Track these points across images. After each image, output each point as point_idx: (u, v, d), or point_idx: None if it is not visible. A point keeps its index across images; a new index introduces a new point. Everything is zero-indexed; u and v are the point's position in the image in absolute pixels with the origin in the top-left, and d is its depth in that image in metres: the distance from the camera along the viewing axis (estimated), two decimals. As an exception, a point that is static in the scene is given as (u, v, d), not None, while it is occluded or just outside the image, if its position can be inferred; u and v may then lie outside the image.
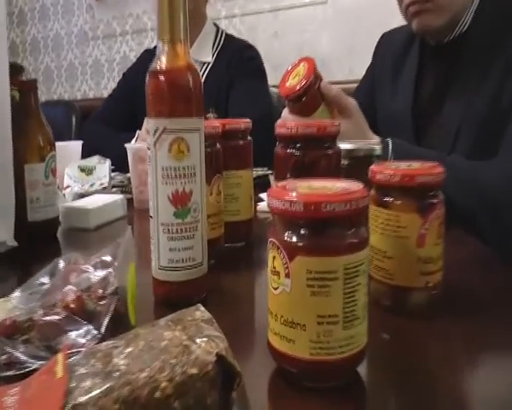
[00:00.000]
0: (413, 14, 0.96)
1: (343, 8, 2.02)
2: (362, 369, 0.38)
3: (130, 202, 0.98)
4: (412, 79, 1.06)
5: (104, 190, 0.96)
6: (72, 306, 0.39)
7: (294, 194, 0.35)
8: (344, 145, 0.60)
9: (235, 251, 0.70)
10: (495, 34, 0.93)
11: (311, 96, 0.78)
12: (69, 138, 2.19)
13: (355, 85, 1.30)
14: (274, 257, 0.37)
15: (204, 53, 1.51)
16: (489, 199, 0.76)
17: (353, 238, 0.36)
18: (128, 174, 1.17)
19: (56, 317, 0.39)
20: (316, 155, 0.54)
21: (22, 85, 0.74)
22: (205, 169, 0.50)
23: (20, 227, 0.69)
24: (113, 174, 1.18)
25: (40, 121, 0.76)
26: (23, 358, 0.37)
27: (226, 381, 0.29)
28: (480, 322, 0.47)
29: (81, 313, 0.39)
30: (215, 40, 1.54)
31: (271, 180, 0.98)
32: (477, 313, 0.49)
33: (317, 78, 0.79)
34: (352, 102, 0.84)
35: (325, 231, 0.35)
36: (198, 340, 0.29)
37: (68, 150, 1.07)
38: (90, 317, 0.40)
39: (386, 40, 1.24)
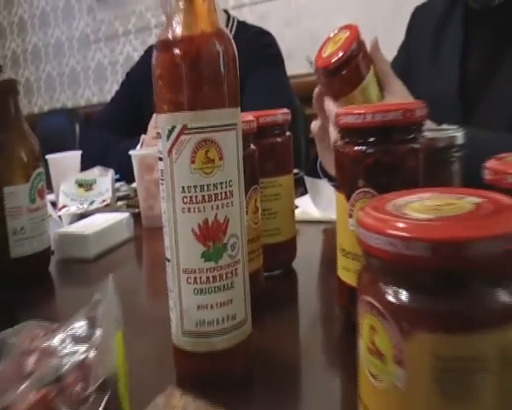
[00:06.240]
0: None
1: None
2: None
3: (138, 217, 0.82)
4: (457, 52, 0.93)
5: (107, 208, 0.80)
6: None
7: (409, 225, 0.19)
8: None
9: (275, 283, 0.54)
10: None
11: (352, 68, 0.62)
12: (73, 148, 2.08)
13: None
14: (373, 328, 0.21)
15: (215, 43, 1.37)
16: None
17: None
18: (134, 185, 1.02)
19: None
20: (401, 152, 0.37)
21: (-3, 87, 0.58)
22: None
23: (1, 266, 0.54)
24: (117, 185, 1.03)
25: (22, 131, 0.60)
26: None
27: None
28: None
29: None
30: (226, 28, 1.38)
31: (307, 184, 0.81)
32: None
33: (361, 46, 0.63)
34: (396, 80, 0.68)
35: (467, 288, 0.19)
36: None
37: (64, 163, 0.91)
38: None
39: (421, 12, 1.11)
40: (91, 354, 0.25)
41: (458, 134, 0.51)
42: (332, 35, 0.67)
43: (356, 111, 0.37)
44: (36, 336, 0.28)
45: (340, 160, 0.40)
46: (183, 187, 0.31)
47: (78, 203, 0.79)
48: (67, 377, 0.24)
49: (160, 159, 0.32)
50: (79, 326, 0.27)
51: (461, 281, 0.19)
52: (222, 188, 0.31)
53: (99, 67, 2.78)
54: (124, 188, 1.06)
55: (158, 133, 0.32)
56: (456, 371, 0.19)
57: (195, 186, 0.31)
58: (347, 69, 0.62)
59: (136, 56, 2.57)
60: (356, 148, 0.38)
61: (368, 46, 0.66)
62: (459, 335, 0.19)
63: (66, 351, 0.25)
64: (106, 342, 0.25)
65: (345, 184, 0.39)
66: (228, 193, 0.32)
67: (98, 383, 0.23)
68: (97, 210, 0.78)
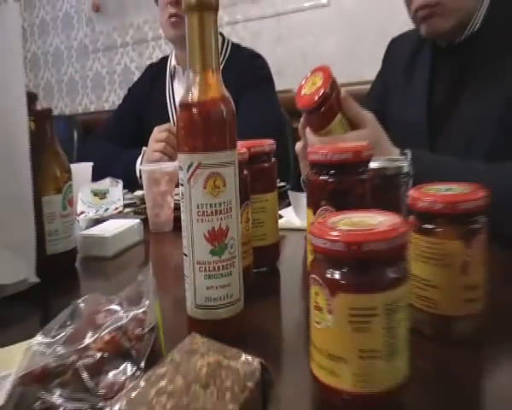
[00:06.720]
0: (422, 18, 0.97)
1: (346, 10, 1.99)
2: (405, 402, 0.37)
3: (145, 223, 0.95)
4: (425, 82, 1.06)
5: (119, 215, 0.94)
6: (107, 347, 0.37)
7: (336, 233, 0.34)
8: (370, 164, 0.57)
9: (262, 278, 0.68)
10: (508, 33, 0.93)
11: (328, 107, 0.76)
12: (71, 153, 2.18)
13: (360, 88, 1.27)
14: (316, 293, 0.36)
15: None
16: None
17: (394, 274, 0.35)
18: (136, 193, 1.15)
19: (92, 359, 0.37)
20: (351, 182, 0.51)
21: (38, 115, 0.72)
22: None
23: (39, 261, 0.67)
24: (121, 192, 1.16)
25: (56, 151, 0.74)
26: (59, 401, 0.35)
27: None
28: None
29: (117, 353, 0.37)
30: (221, 50, 1.51)
31: (290, 197, 0.95)
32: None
33: (334, 87, 0.76)
34: (366, 114, 0.82)
35: (366, 268, 0.35)
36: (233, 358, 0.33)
37: (79, 173, 1.04)
38: (127, 356, 0.37)
39: (396, 45, 1.24)
40: (142, 311, 0.39)
41: (404, 164, 0.65)
42: (308, 77, 0.80)
43: (321, 151, 0.52)
44: (99, 302, 0.42)
45: (310, 185, 0.54)
46: (198, 204, 0.45)
47: (94, 210, 0.92)
48: (128, 325, 0.38)
49: (181, 184, 0.46)
50: (131, 296, 0.41)
51: (363, 265, 0.34)
52: (224, 205, 0.45)
53: (97, 76, 2.87)
54: (128, 196, 1.19)
55: (180, 166, 0.46)
56: (361, 316, 0.33)
57: (206, 204, 0.45)
58: (323, 108, 0.76)
59: (134, 67, 2.69)
60: (320, 177, 0.52)
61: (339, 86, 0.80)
62: (362, 295, 0.33)
63: (124, 310, 0.39)
64: (151, 305, 0.39)
65: (312, 203, 0.54)
66: (228, 209, 0.46)
67: (150, 327, 0.37)
68: (111, 216, 0.92)
